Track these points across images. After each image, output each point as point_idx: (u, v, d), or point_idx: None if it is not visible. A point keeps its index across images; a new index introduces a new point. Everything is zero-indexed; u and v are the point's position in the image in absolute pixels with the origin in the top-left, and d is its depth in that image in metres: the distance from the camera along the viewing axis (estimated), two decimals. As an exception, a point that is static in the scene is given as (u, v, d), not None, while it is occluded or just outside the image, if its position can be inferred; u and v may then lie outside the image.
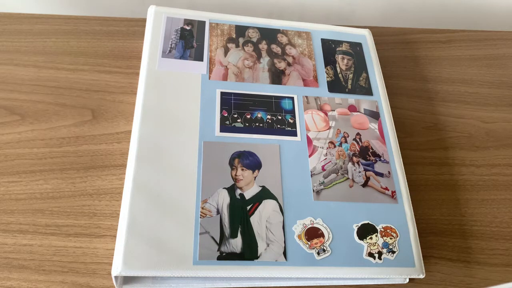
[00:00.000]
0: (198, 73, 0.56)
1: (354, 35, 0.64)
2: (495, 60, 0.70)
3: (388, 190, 0.51)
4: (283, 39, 0.62)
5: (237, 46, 0.60)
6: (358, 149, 0.53)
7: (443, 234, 0.53)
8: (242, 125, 0.52)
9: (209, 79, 0.56)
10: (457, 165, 0.58)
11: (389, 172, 0.52)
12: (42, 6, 0.78)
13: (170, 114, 0.52)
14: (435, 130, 0.61)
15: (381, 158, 0.53)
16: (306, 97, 0.56)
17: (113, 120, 0.56)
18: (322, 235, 0.47)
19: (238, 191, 0.48)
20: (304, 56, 0.60)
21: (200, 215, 0.46)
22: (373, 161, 0.53)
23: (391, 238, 0.48)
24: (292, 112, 0.55)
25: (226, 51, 0.59)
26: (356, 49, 0.63)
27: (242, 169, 0.49)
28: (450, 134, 0.61)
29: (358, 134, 0.54)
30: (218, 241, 0.45)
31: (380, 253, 0.47)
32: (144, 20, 0.61)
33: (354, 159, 0.52)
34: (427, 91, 0.65)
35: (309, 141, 0.53)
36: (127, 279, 0.45)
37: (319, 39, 0.63)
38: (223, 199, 0.47)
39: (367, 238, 0.47)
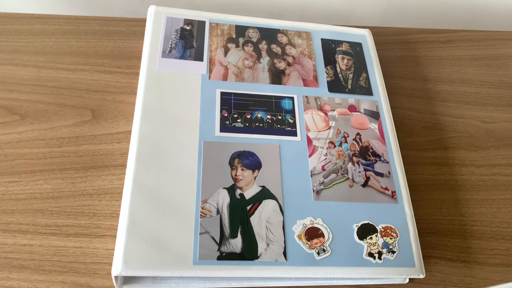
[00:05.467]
0: (198, 73, 0.56)
1: (354, 35, 0.64)
2: (495, 60, 0.70)
3: (388, 190, 0.51)
4: (283, 39, 0.62)
5: (237, 46, 0.60)
6: (358, 149, 0.53)
7: (443, 234, 0.53)
8: (242, 125, 0.52)
9: (209, 79, 0.56)
10: (457, 165, 0.58)
11: (389, 172, 0.52)
12: (42, 6, 0.78)
13: (170, 114, 0.52)
14: (435, 130, 0.61)
15: (381, 158, 0.53)
16: (306, 97, 0.56)
17: (113, 120, 0.56)
18: (322, 235, 0.47)
19: (238, 191, 0.48)
20: (304, 56, 0.60)
21: (200, 215, 0.46)
22: (373, 161, 0.53)
23: (391, 238, 0.48)
24: (292, 112, 0.55)
25: (226, 51, 0.59)
26: (356, 49, 0.63)
27: (242, 169, 0.49)
28: (450, 134, 0.61)
29: (358, 134, 0.54)
30: (218, 241, 0.45)
31: (380, 253, 0.47)
32: (144, 20, 0.61)
33: (354, 159, 0.52)
34: (427, 91, 0.65)
35: (309, 141, 0.53)
36: (127, 279, 0.45)
37: (319, 39, 0.63)
38: (223, 199, 0.47)
39: (367, 238, 0.47)
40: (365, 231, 0.48)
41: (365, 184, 0.51)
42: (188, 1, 0.79)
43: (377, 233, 0.48)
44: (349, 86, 0.59)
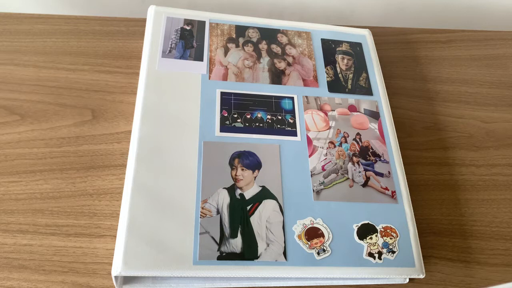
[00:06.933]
0: (198, 73, 0.56)
1: (354, 35, 0.64)
2: (495, 60, 0.70)
3: (388, 190, 0.51)
4: (283, 39, 0.62)
5: (237, 46, 0.60)
6: (358, 149, 0.53)
7: (443, 234, 0.53)
8: (242, 125, 0.52)
9: (209, 79, 0.56)
10: (457, 165, 0.58)
11: (389, 172, 0.52)
12: (42, 6, 0.78)
13: (170, 114, 0.52)
14: (435, 130, 0.61)
15: (381, 158, 0.53)
16: (306, 97, 0.56)
17: (113, 120, 0.56)
18: (322, 235, 0.47)
19: (238, 191, 0.48)
20: (304, 56, 0.60)
21: (200, 215, 0.46)
22: (373, 161, 0.53)
23: (391, 238, 0.48)
24: (292, 112, 0.55)
25: (226, 51, 0.59)
26: (356, 49, 0.63)
27: (242, 169, 0.49)
28: (450, 134, 0.61)
29: (358, 134, 0.54)
30: (218, 241, 0.45)
31: (380, 253, 0.47)
32: (144, 20, 0.61)
33: (354, 159, 0.52)
34: (427, 91, 0.65)
35: (309, 141, 0.53)
36: (127, 279, 0.45)
37: (319, 39, 0.63)
38: (223, 199, 0.47)
39: (367, 238, 0.47)
40: (365, 231, 0.48)
41: (365, 184, 0.51)
42: (188, 1, 0.79)
43: (377, 233, 0.48)
44: (349, 86, 0.59)
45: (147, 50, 0.56)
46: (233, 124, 0.52)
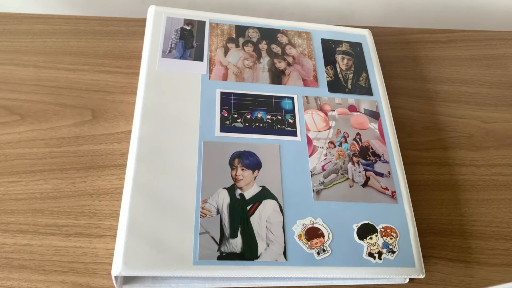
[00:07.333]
0: (198, 73, 0.56)
1: (354, 35, 0.64)
2: (495, 60, 0.70)
3: (388, 190, 0.51)
4: (283, 39, 0.62)
5: (237, 46, 0.60)
6: (358, 149, 0.53)
7: (443, 234, 0.53)
8: (242, 125, 0.52)
9: (209, 79, 0.56)
10: (457, 165, 0.58)
11: (389, 172, 0.52)
12: (42, 6, 0.78)
13: (170, 114, 0.52)
14: (435, 130, 0.61)
15: (381, 158, 0.53)
16: (306, 97, 0.56)
17: (113, 120, 0.56)
18: (322, 235, 0.47)
19: (238, 191, 0.48)
20: (304, 56, 0.60)
21: (200, 215, 0.46)
22: (373, 161, 0.53)
23: (391, 238, 0.48)
24: (292, 112, 0.55)
25: (226, 51, 0.59)
26: (356, 49, 0.63)
27: (242, 169, 0.49)
28: (450, 134, 0.61)
29: (358, 134, 0.54)
30: (218, 241, 0.45)
31: (380, 253, 0.47)
32: (144, 20, 0.61)
33: (354, 159, 0.52)
34: (427, 91, 0.65)
35: (309, 141, 0.53)
36: (127, 279, 0.45)
37: (319, 39, 0.63)
38: (223, 199, 0.47)
39: (367, 238, 0.47)
40: (365, 231, 0.48)
41: (365, 184, 0.51)
42: (188, 1, 0.79)
43: (377, 233, 0.48)
44: (349, 86, 0.59)
45: (147, 50, 0.56)
46: (233, 124, 0.52)
